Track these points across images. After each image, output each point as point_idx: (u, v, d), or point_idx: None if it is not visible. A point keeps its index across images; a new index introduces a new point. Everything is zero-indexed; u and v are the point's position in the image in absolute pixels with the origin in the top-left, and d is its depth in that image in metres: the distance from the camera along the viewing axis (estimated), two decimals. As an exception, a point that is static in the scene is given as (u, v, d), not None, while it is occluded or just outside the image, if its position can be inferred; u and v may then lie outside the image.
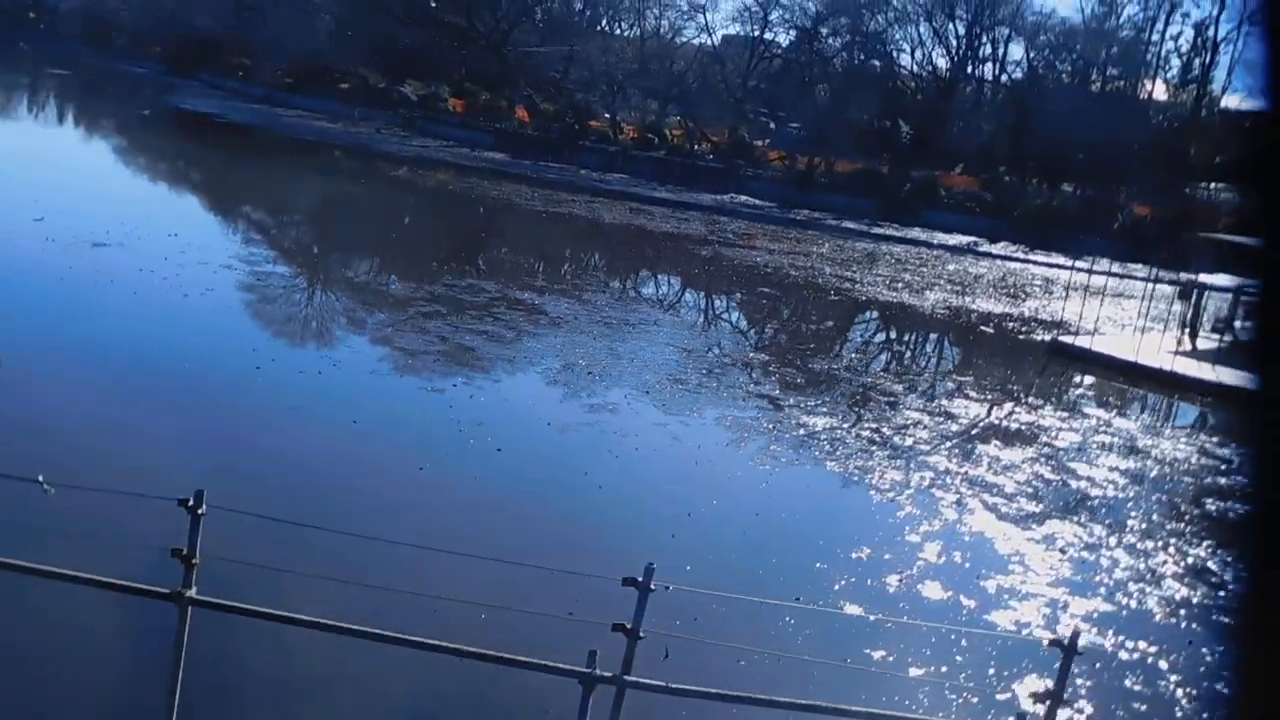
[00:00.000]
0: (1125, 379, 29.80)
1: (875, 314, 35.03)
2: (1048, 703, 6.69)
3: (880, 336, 32.20)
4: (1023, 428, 22.47)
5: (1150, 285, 41.21)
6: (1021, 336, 34.88)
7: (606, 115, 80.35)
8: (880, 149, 79.66)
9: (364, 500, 12.05)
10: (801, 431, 19.33)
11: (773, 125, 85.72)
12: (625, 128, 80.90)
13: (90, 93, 72.33)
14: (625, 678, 6.31)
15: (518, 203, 48.75)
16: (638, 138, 79.65)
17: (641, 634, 6.32)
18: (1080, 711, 11.15)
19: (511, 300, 26.46)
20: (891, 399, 23.12)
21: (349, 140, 64.13)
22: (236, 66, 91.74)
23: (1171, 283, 39.56)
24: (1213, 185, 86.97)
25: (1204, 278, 39.92)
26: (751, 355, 25.32)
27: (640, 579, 6.27)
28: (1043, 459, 20.23)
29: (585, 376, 20.31)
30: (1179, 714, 11.25)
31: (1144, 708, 11.21)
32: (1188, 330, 37.05)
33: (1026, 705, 8.44)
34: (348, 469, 13.17)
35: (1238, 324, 38.12)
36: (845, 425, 20.34)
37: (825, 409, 21.32)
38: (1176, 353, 32.53)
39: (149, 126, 56.08)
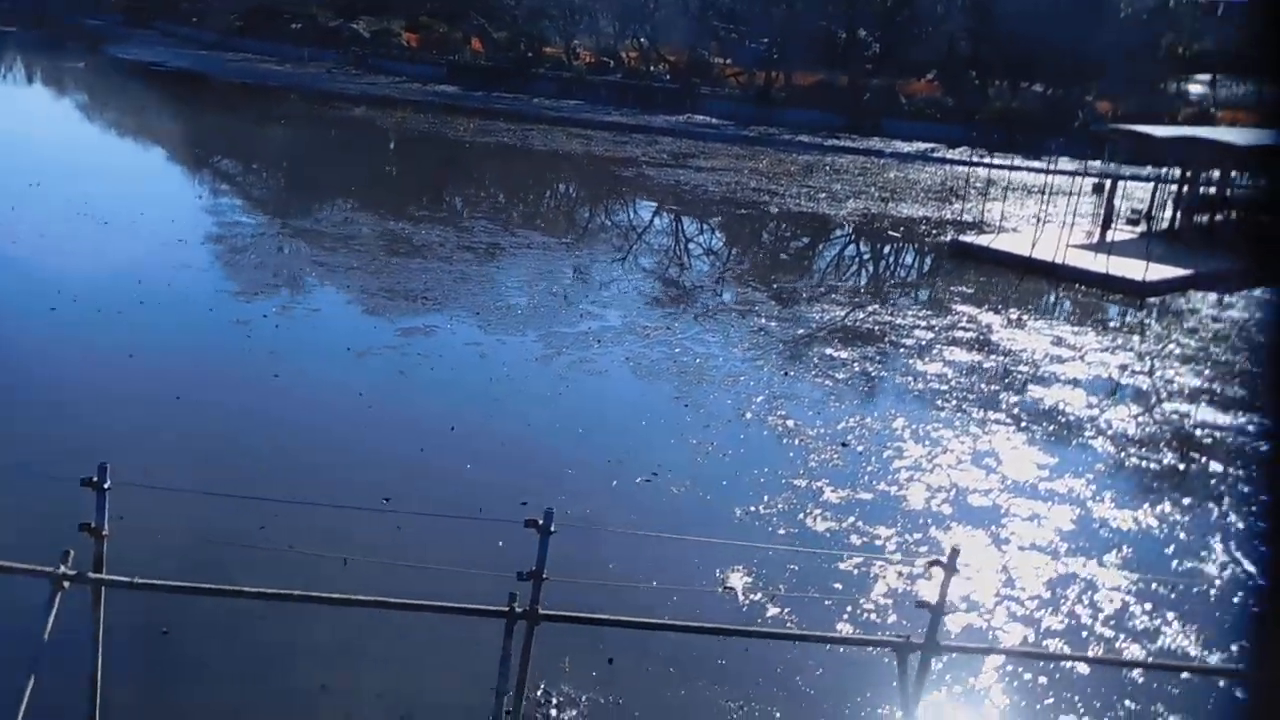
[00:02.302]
0: (1018, 274, 29.69)
1: (778, 225, 34.86)
2: (531, 580, 6.90)
3: (771, 248, 32.01)
4: (875, 328, 22.50)
5: (1077, 180, 40.81)
6: (929, 239, 34.68)
7: (561, 41, 79.29)
8: (841, 60, 78.29)
9: (92, 432, 12.31)
10: (629, 344, 19.44)
11: (735, 37, 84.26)
12: (581, 53, 79.87)
13: (30, 48, 71.77)
14: (92, 575, 6.55)
15: (446, 135, 48.42)
16: (593, 62, 78.65)
17: (106, 532, 6.54)
18: (734, 592, 11.43)
19: (381, 231, 26.53)
20: (747, 308, 23.17)
21: (291, 81, 63.56)
22: (190, 14, 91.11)
23: (1090, 176, 39.11)
24: (1184, 78, 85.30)
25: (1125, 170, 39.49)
26: (617, 274, 25.34)
27: (96, 478, 6.49)
28: (878, 358, 20.31)
29: (417, 302, 20.45)
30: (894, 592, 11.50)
31: (800, 582, 11.46)
32: (1101, 223, 36.84)
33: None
34: (94, 402, 13.42)
35: (1156, 215, 37.86)
36: (681, 337, 20.42)
37: (667, 322, 21.40)
38: (1080, 246, 32.34)
39: (77, 78, 55.78)
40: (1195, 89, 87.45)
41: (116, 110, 45.87)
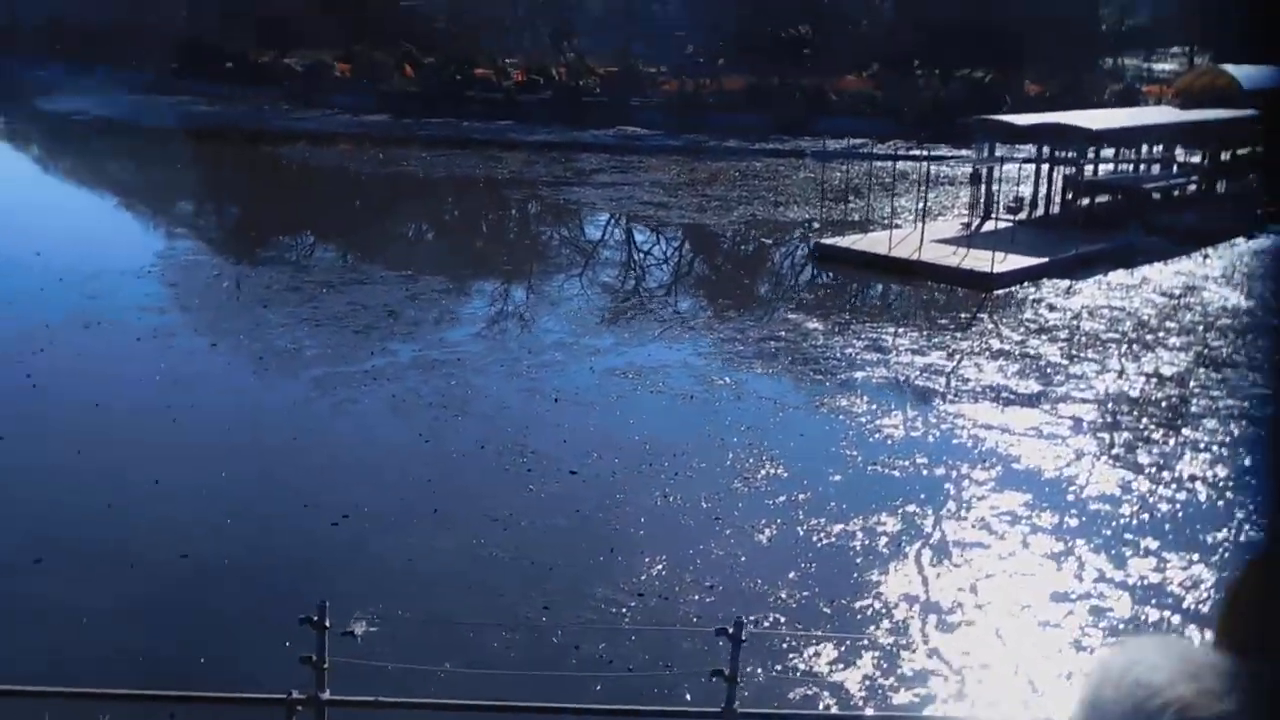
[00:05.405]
0: (875, 274, 29.56)
1: (641, 242, 34.63)
2: None
3: (621, 267, 31.45)
4: (684, 345, 22.28)
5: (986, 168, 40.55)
6: (802, 243, 34.49)
7: (491, 62, 79.36)
8: (772, 61, 78.19)
9: None
10: (408, 380, 19.23)
11: (666, 46, 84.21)
12: (513, 73, 79.89)
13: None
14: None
15: (347, 168, 48.45)
16: (524, 81, 78.64)
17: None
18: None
19: (219, 273, 26.53)
20: (559, 333, 22.96)
21: (212, 121, 63.75)
22: (131, 57, 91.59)
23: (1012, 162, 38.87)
24: (1119, 54, 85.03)
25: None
26: (439, 305, 25.21)
27: (317, 617, 6.83)
28: (665, 379, 20.08)
29: (206, 347, 20.37)
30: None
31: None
32: (980, 213, 36.71)
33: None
34: None
35: (1040, 201, 37.62)
36: (466, 369, 20.21)
37: (460, 354, 21.20)
38: (945, 240, 32.27)
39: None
40: (1138, 64, 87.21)
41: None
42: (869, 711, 10.66)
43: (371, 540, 13.18)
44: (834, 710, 10.63)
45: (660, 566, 12.82)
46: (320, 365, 19.84)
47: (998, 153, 40.03)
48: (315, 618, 6.95)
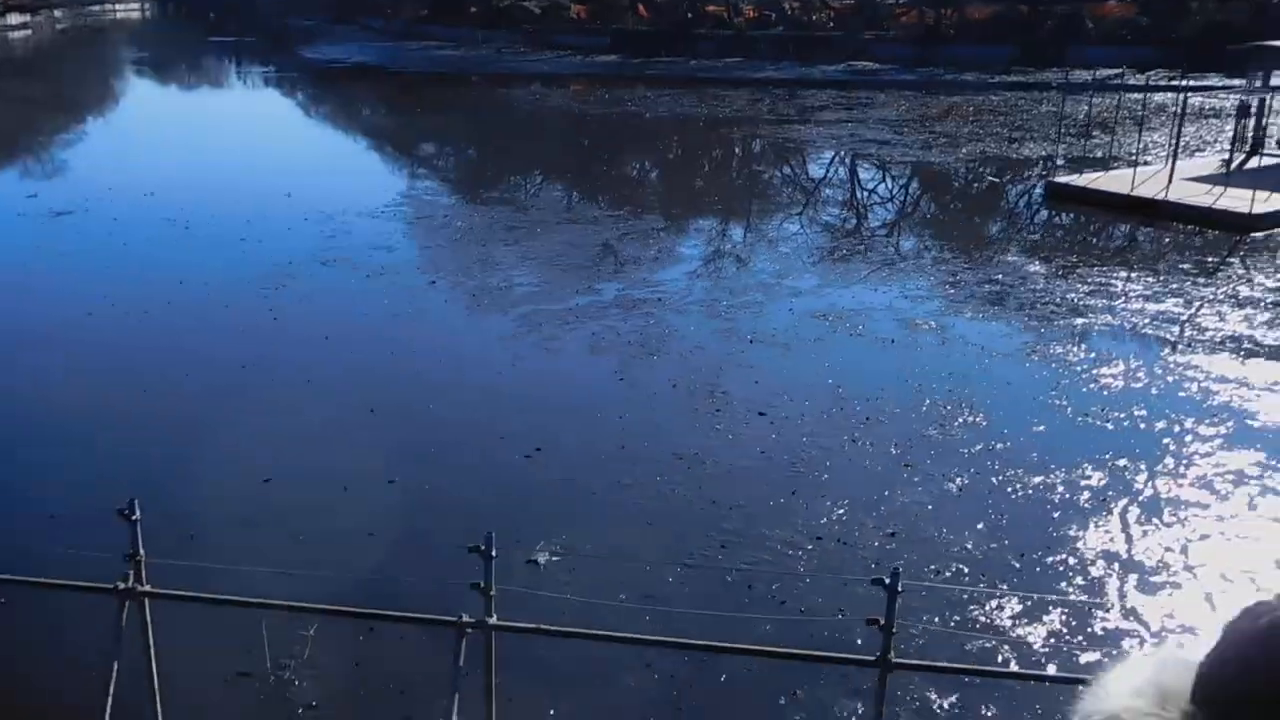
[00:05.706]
0: (1112, 215, 27.58)
1: (861, 180, 33.57)
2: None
3: (836, 206, 30.63)
4: (889, 288, 21.59)
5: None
6: (1032, 182, 32.50)
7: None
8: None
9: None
10: (609, 319, 19.64)
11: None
12: (744, 8, 78.80)
13: (229, 55, 78.66)
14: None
15: (572, 109, 49.46)
16: (755, 17, 77.45)
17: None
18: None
19: (449, 212, 27.87)
20: (759, 273, 22.78)
21: (454, 65, 66.50)
22: (386, 6, 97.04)
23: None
24: None
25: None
26: (648, 243, 25.45)
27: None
28: (865, 324, 19.57)
29: (425, 285, 21.54)
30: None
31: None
32: (1243, 148, 33.41)
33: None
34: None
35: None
36: (665, 309, 20.41)
37: (659, 294, 21.41)
38: (1200, 178, 29.67)
39: (254, 83, 60.74)
40: None
41: (260, 115, 49.94)
42: (1051, 670, 10.13)
43: (560, 473, 13.65)
44: (1014, 667, 10.18)
45: (841, 511, 12.61)
46: (528, 303, 20.52)
47: (1275, 82, 36.16)
48: (482, 547, 7.26)
